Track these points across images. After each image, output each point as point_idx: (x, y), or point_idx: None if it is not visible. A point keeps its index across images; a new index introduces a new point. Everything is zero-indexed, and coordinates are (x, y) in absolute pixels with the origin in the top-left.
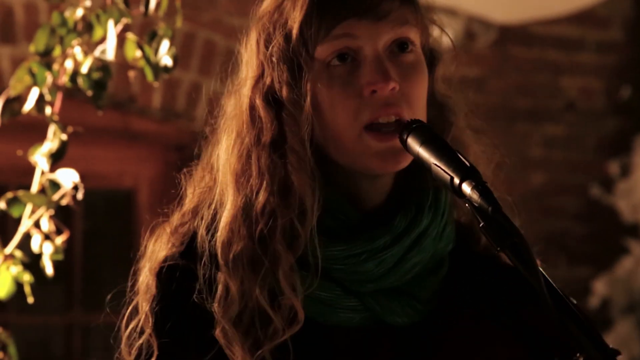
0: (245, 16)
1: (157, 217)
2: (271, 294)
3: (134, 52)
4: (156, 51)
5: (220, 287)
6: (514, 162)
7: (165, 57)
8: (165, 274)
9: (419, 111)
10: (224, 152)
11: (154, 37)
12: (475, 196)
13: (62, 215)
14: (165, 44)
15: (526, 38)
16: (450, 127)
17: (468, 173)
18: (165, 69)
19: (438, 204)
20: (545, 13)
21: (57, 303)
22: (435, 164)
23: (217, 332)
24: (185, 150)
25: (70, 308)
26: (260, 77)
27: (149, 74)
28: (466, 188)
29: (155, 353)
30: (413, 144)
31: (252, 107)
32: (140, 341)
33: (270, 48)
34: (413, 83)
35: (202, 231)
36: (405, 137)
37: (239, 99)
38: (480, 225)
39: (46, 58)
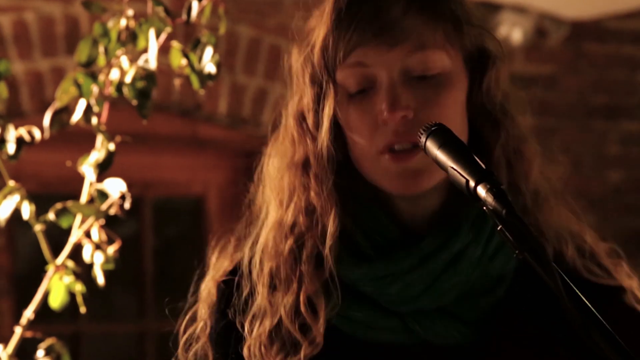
0: None
1: (226, 224)
2: (297, 314)
3: (179, 60)
4: (200, 58)
5: (255, 304)
6: (591, 160)
7: (208, 64)
8: (221, 287)
9: None
10: (270, 168)
11: (198, 44)
12: (489, 199)
13: (132, 223)
14: (208, 51)
15: (600, 33)
16: (499, 136)
17: (483, 176)
18: (209, 76)
19: (483, 224)
20: (619, 7)
21: (130, 311)
22: (452, 167)
23: (245, 350)
24: (253, 157)
25: (142, 316)
26: (300, 98)
27: (195, 82)
28: (481, 191)
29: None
30: (431, 147)
31: (290, 127)
32: (196, 347)
33: (303, 72)
34: (433, 108)
35: (246, 249)
36: (424, 140)
37: (285, 116)
38: (498, 228)
39: (91, 69)
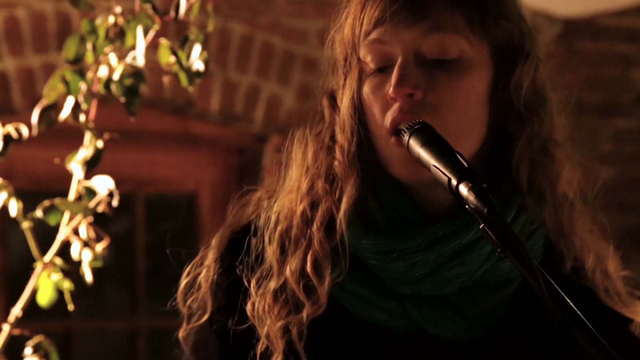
0: (303, 18)
1: (219, 221)
2: (302, 275)
3: (167, 58)
4: (188, 56)
5: (264, 264)
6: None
7: (197, 61)
8: (233, 240)
9: (451, 121)
10: (298, 142)
11: (186, 41)
12: (471, 197)
13: (126, 221)
14: (197, 49)
15: (593, 31)
16: (522, 133)
17: (465, 174)
18: (198, 73)
19: None
20: (612, 4)
21: (122, 308)
22: (435, 166)
23: (248, 305)
24: (245, 154)
25: (134, 313)
26: (332, 75)
27: (184, 79)
28: (463, 189)
29: (209, 310)
30: (414, 145)
31: (321, 106)
32: (196, 295)
33: (337, 48)
34: (444, 91)
35: (263, 211)
36: (407, 139)
37: (320, 94)
38: (481, 226)
39: (79, 66)
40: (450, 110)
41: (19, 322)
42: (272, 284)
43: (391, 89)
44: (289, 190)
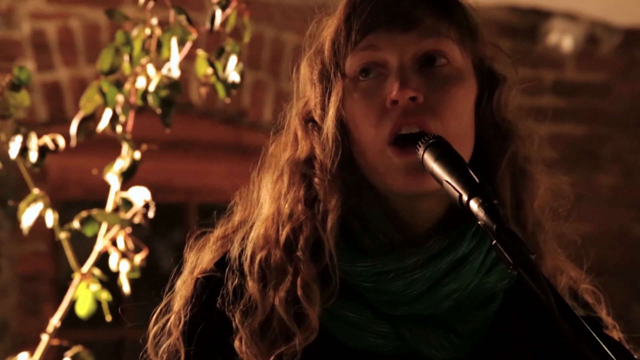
0: None
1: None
2: (291, 303)
3: (204, 69)
4: (224, 67)
5: (245, 296)
6: None
7: (232, 73)
8: (202, 281)
9: (452, 126)
10: (268, 171)
11: (222, 53)
12: (481, 214)
13: (179, 231)
14: (232, 60)
15: None
16: (505, 152)
17: (476, 190)
18: (234, 85)
19: (485, 234)
20: None
21: None
22: (447, 181)
23: (236, 342)
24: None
25: None
26: (306, 101)
27: (221, 91)
28: (473, 205)
29: (182, 357)
30: (428, 159)
31: (294, 129)
32: (168, 342)
33: (311, 71)
34: (443, 95)
35: (236, 243)
36: (422, 153)
37: (288, 122)
38: (493, 243)
39: (115, 77)
40: (451, 114)
41: (68, 331)
42: (259, 317)
43: (394, 91)
44: (264, 218)
